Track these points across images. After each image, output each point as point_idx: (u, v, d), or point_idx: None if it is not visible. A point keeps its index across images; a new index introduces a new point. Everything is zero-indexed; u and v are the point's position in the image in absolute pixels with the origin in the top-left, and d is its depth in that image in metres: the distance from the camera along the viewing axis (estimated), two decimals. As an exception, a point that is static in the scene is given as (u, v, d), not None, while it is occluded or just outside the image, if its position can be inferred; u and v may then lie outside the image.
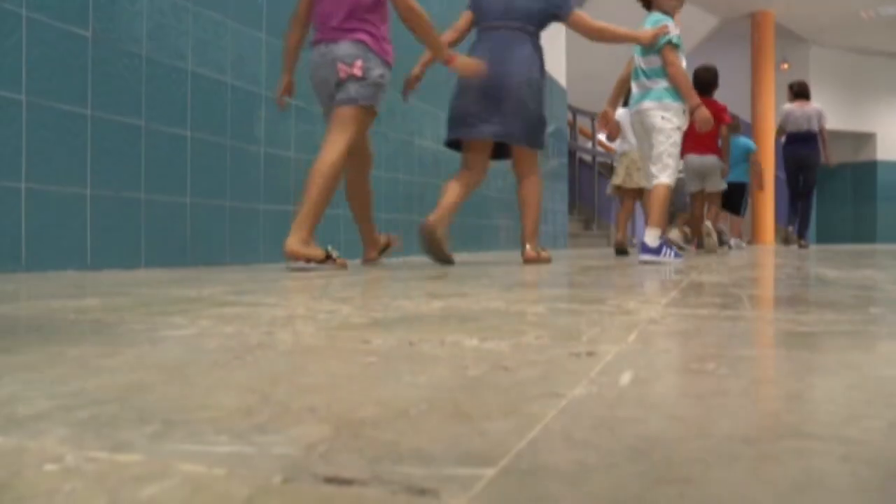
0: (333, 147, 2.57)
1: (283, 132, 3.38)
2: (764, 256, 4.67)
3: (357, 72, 2.60)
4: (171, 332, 0.88)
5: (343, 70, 2.60)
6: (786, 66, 13.87)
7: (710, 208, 5.75)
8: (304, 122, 3.52)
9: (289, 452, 0.39)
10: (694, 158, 5.37)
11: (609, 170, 10.86)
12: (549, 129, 7.90)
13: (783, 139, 7.74)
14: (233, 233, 3.08)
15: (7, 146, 2.16)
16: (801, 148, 7.58)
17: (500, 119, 3.00)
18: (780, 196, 11.30)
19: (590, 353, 0.72)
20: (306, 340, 0.81)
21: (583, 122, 10.86)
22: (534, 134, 3.12)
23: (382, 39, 2.70)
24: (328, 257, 2.61)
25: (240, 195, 3.13)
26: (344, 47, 2.61)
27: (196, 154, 2.90)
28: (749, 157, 7.26)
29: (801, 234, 7.74)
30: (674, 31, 3.31)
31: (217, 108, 3.00)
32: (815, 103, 7.85)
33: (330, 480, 0.34)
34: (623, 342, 0.80)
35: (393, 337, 0.84)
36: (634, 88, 3.46)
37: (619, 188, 5.31)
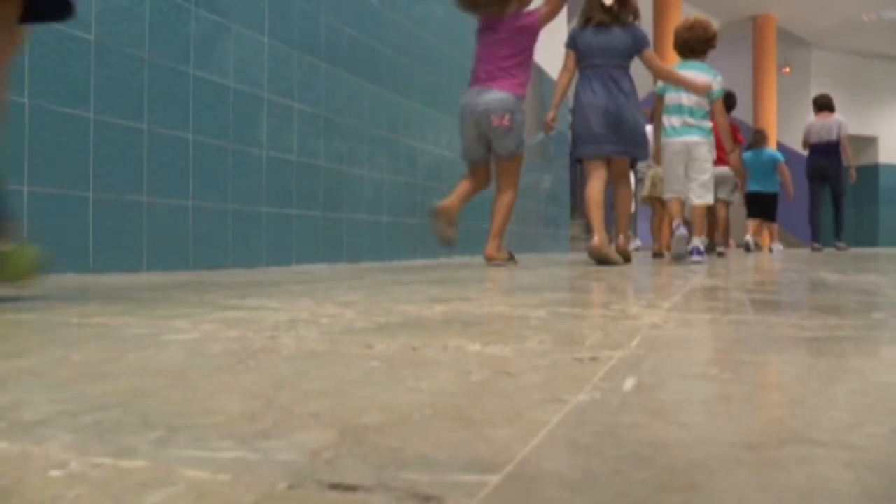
0: (508, 190, 3.52)
1: (285, 135, 3.39)
2: (766, 261, 4.67)
3: (507, 123, 3.31)
4: (174, 337, 0.88)
5: (496, 121, 3.31)
6: (787, 69, 13.87)
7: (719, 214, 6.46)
8: (306, 125, 3.53)
9: (293, 458, 0.39)
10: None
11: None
12: (553, 133, 7.90)
13: (807, 151, 8.10)
14: (235, 236, 3.09)
15: (10, 149, 2.17)
16: (822, 158, 7.91)
17: (618, 139, 3.72)
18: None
19: (593, 359, 0.72)
20: (309, 345, 0.82)
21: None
22: (642, 149, 3.88)
23: (524, 84, 3.44)
24: (511, 257, 3.59)
25: (242, 198, 3.13)
26: (496, 96, 3.33)
27: (198, 157, 2.90)
28: (777, 168, 7.87)
29: (839, 236, 8.08)
30: (721, 84, 4.11)
31: (219, 112, 3.00)
32: (839, 114, 8.10)
33: (335, 487, 0.34)
34: (626, 347, 0.80)
35: (396, 342, 0.84)
36: (677, 121, 4.06)
37: (649, 198, 6.29)
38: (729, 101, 6.17)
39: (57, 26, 2.28)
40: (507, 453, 0.40)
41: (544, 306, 1.28)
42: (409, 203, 4.55)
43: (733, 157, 6.07)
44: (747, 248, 7.65)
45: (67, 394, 0.56)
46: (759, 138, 8.03)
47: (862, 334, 0.92)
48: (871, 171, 14.69)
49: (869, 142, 14.70)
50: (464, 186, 3.48)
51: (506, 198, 3.50)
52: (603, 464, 0.38)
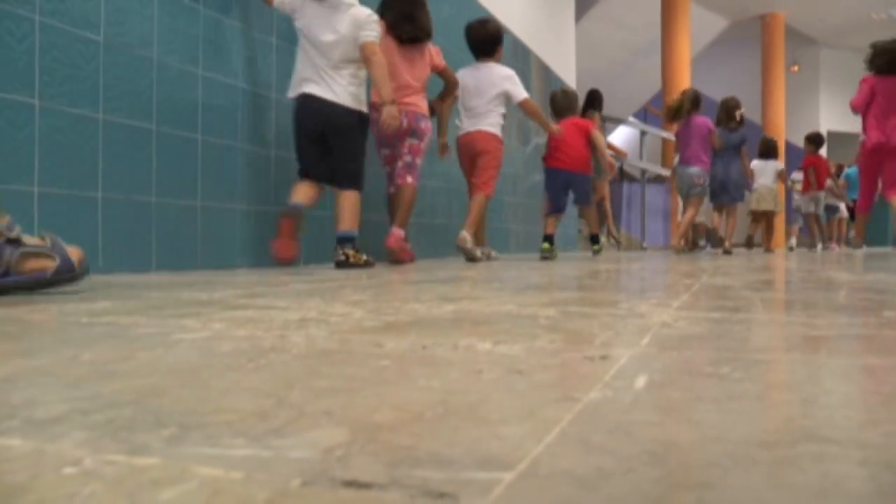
0: (734, 219, 6.12)
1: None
2: (777, 260, 4.66)
3: (701, 181, 5.86)
4: (184, 336, 0.88)
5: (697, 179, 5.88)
6: (796, 68, 13.81)
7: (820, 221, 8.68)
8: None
9: (306, 456, 0.39)
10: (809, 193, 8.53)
11: (620, 174, 10.87)
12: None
13: None
14: (243, 236, 3.09)
15: (20, 150, 2.18)
16: None
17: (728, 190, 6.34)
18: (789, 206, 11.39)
19: (603, 357, 0.72)
20: (319, 344, 0.82)
21: (592, 126, 10.82)
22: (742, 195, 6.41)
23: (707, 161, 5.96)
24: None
25: (250, 198, 3.14)
26: (696, 169, 5.82)
27: (206, 157, 2.91)
28: None
29: None
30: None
31: (228, 112, 3.01)
32: None
33: (348, 484, 0.34)
34: (636, 346, 0.79)
35: (406, 340, 0.84)
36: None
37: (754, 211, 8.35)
38: (820, 138, 8.20)
39: (67, 28, 2.29)
40: (520, 451, 0.40)
41: (553, 305, 1.28)
42: (418, 205, 4.54)
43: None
44: (848, 243, 9.90)
45: (80, 392, 0.56)
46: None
47: (873, 332, 0.91)
48: (880, 170, 14.62)
49: (877, 140, 14.63)
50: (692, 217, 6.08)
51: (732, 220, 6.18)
52: (616, 462, 0.38)
